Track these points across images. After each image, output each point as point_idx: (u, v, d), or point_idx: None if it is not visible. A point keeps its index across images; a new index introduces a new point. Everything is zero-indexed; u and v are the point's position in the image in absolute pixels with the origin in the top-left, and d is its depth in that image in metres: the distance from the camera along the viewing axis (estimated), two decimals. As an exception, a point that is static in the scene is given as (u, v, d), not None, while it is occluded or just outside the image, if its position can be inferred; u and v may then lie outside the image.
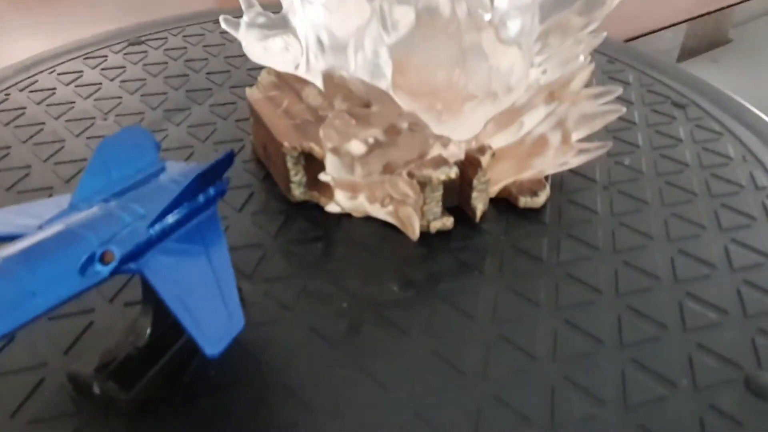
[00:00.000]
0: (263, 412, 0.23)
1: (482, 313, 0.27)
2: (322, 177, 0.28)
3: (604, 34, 0.35)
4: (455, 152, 0.30)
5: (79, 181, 0.22)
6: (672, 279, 0.29)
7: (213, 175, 0.23)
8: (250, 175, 0.35)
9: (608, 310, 0.27)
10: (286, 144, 0.30)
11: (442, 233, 0.31)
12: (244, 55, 0.41)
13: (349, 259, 0.30)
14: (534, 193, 0.32)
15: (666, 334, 0.26)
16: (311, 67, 0.35)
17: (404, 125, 0.28)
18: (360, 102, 0.28)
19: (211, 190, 0.23)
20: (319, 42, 0.33)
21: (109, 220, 0.20)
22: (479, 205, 0.31)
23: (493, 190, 0.32)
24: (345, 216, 0.32)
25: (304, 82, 0.35)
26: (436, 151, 0.29)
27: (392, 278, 0.29)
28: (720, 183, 0.35)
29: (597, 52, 0.36)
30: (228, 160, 0.23)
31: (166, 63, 0.47)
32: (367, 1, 0.30)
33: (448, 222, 0.31)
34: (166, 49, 0.49)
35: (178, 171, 0.23)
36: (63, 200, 0.22)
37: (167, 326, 0.23)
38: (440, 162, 0.29)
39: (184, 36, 0.52)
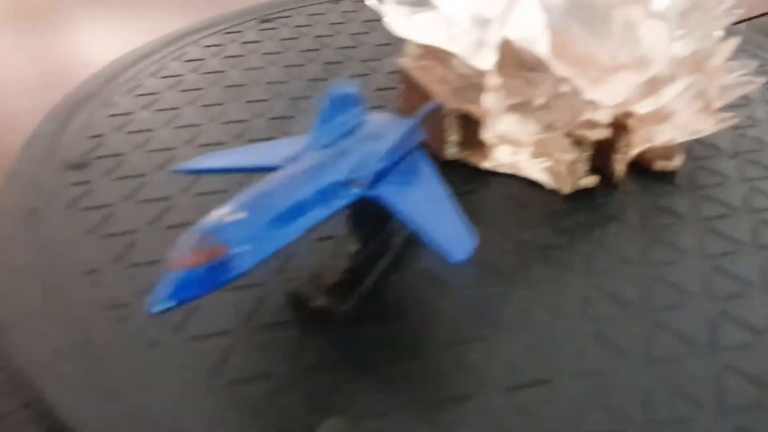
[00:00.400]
0: (457, 329, 0.26)
1: (635, 257, 0.30)
2: (487, 136, 0.32)
3: (741, 11, 0.37)
4: (603, 117, 0.33)
5: (314, 124, 0.26)
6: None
7: (420, 123, 0.27)
8: (399, 136, 0.39)
9: (752, 258, 0.30)
10: (447, 105, 0.34)
11: (585, 191, 0.34)
12: (367, 32, 0.45)
13: (504, 210, 0.33)
14: (669, 158, 0.35)
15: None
16: (457, 41, 0.38)
17: (565, 89, 0.31)
18: (526, 68, 0.32)
19: (418, 135, 0.27)
20: (465, 16, 0.36)
21: (349, 156, 0.24)
22: (620, 166, 0.34)
23: (631, 153, 0.35)
24: (492, 174, 0.35)
25: (451, 54, 0.38)
26: (588, 114, 0.33)
27: (547, 227, 0.32)
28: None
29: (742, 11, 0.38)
30: (436, 109, 0.27)
31: (297, 38, 0.52)
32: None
33: (593, 180, 0.34)
34: (295, 26, 0.54)
35: (385, 118, 0.27)
36: (295, 141, 0.26)
37: (371, 249, 0.27)
38: (593, 124, 0.32)
39: (309, 15, 0.56)
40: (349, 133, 0.25)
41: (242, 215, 0.19)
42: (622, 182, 0.35)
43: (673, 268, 0.29)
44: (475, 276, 0.29)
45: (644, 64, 0.33)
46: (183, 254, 0.18)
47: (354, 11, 0.56)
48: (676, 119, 0.35)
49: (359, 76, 0.46)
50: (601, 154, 0.35)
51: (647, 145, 0.35)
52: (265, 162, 0.25)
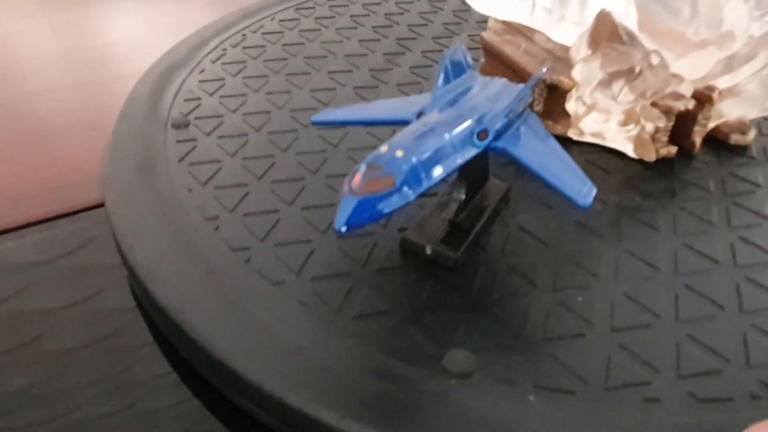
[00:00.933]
0: (560, 277, 0.28)
1: (718, 220, 0.32)
2: (576, 106, 0.34)
3: (814, -4, 0.39)
4: (685, 90, 0.35)
5: (436, 84, 0.28)
6: None
7: (532, 88, 0.29)
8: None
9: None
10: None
11: (665, 161, 0.36)
12: (435, 11, 0.46)
13: (589, 175, 0.35)
14: (743, 132, 0.37)
15: None
16: (537, 17, 0.40)
17: (655, 60, 0.33)
18: (616, 41, 0.33)
19: (528, 97, 0.29)
20: (547, -6, 0.38)
21: (475, 108, 0.26)
22: (698, 138, 0.36)
23: (709, 126, 0.37)
24: (573, 143, 0.37)
25: (533, 30, 0.40)
26: (672, 87, 0.34)
27: (632, 191, 0.34)
28: None
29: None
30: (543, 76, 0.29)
31: (368, 15, 0.54)
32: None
33: (673, 150, 0.36)
34: (363, 4, 0.56)
35: (499, 82, 0.29)
36: (417, 99, 0.28)
37: (474, 203, 0.29)
38: (678, 96, 0.34)
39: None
40: (466, 92, 0.28)
41: (401, 153, 0.21)
42: (699, 153, 0.37)
43: (756, 231, 0.31)
44: (570, 232, 0.31)
45: (726, 42, 0.35)
46: (358, 183, 0.20)
47: (419, -9, 0.58)
48: (751, 95, 0.37)
49: (433, 51, 0.48)
50: (680, 126, 0.37)
51: (723, 119, 0.37)
52: (394, 116, 0.27)
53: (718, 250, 0.30)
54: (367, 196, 0.20)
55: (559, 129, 0.37)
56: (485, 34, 0.41)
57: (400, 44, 0.49)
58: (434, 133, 0.24)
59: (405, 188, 0.21)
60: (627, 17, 0.35)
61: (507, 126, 0.26)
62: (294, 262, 0.29)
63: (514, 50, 0.38)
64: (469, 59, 0.30)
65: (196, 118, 0.39)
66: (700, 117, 0.35)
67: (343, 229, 0.20)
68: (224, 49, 0.47)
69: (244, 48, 0.48)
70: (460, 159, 0.24)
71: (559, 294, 0.28)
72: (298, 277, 0.28)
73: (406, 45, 0.49)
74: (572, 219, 0.32)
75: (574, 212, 0.32)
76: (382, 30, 0.51)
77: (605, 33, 0.33)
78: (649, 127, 0.34)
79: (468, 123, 0.25)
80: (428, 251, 0.29)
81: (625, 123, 0.34)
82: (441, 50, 0.48)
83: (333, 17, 0.53)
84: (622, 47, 0.33)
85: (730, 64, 0.36)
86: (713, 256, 0.30)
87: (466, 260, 0.29)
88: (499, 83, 0.29)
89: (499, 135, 0.26)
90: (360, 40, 0.49)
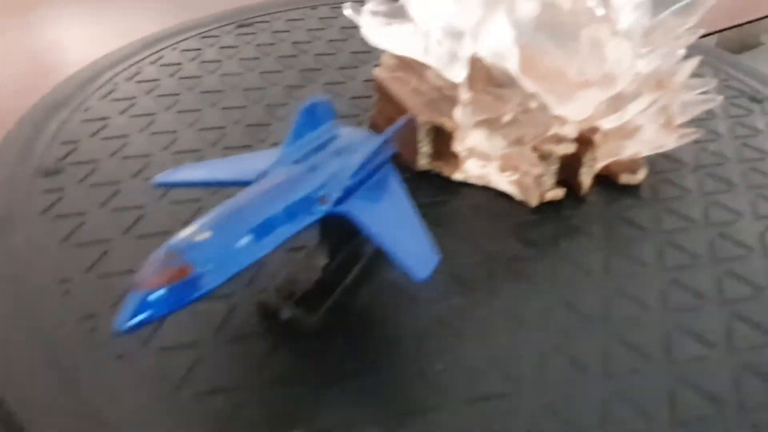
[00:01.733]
0: (423, 341, 0.27)
1: (596, 270, 0.31)
2: (459, 148, 0.33)
3: (701, 30, 0.38)
4: (569, 132, 0.34)
5: (286, 138, 0.26)
6: (762, 249, 0.32)
7: (391, 138, 0.27)
8: (372, 146, 0.40)
9: (709, 272, 0.31)
10: (421, 118, 0.35)
11: (552, 203, 0.35)
12: (345, 39, 0.45)
13: (473, 221, 0.34)
14: (633, 171, 0.36)
15: (763, 293, 0.30)
16: (431, 53, 0.39)
17: (533, 105, 0.32)
18: (496, 84, 0.32)
19: (389, 149, 0.27)
20: (439, 29, 0.37)
21: (319, 171, 0.24)
22: (586, 179, 0.35)
23: (597, 167, 0.36)
24: (462, 185, 0.36)
25: (425, 65, 0.39)
26: (555, 129, 0.33)
27: (514, 238, 0.33)
28: (799, 170, 0.38)
29: (702, 30, 0.40)
30: (409, 123, 0.27)
31: (275, 44, 0.52)
32: (493, -5, 0.34)
33: (560, 192, 0.35)
34: (273, 32, 0.54)
35: (357, 133, 0.28)
36: (267, 154, 0.27)
37: (340, 261, 0.28)
38: (560, 139, 0.33)
39: (287, 20, 0.56)
40: (320, 147, 0.26)
41: (207, 235, 0.20)
42: (589, 195, 0.36)
43: (633, 281, 0.30)
44: (443, 287, 0.30)
45: (610, 81, 0.34)
46: (149, 274, 0.19)
47: (332, 17, 0.56)
48: (640, 134, 0.36)
49: (336, 83, 0.46)
50: (568, 167, 0.36)
51: (612, 159, 0.36)
52: (237, 176, 0.25)
53: (593, 304, 0.29)
54: (160, 288, 0.18)
55: (447, 170, 0.36)
56: (376, 71, 0.39)
57: (303, 76, 0.47)
58: (260, 204, 0.22)
59: (207, 276, 0.19)
60: (510, 59, 0.33)
61: (358, 184, 0.25)
62: (143, 330, 0.27)
63: (401, 88, 0.37)
64: (332, 107, 0.28)
65: (70, 164, 0.37)
66: (585, 159, 0.34)
67: (124, 329, 0.18)
68: (116, 84, 0.45)
69: (137, 82, 0.46)
70: (292, 230, 0.22)
71: (418, 362, 0.26)
72: (144, 347, 0.26)
73: (309, 77, 0.47)
74: (448, 271, 0.31)
75: (448, 268, 0.30)
76: (287, 60, 0.49)
77: (481, 76, 0.32)
78: (531, 171, 0.33)
79: (306, 189, 0.23)
80: (284, 316, 0.27)
81: (504, 168, 0.32)
82: (344, 83, 0.47)
83: (237, 46, 0.51)
84: (500, 91, 0.32)
85: (615, 104, 0.35)
86: (586, 311, 0.29)
87: (328, 323, 0.27)
88: (358, 136, 0.27)
89: (348, 193, 0.25)
90: (262, 72, 0.48)
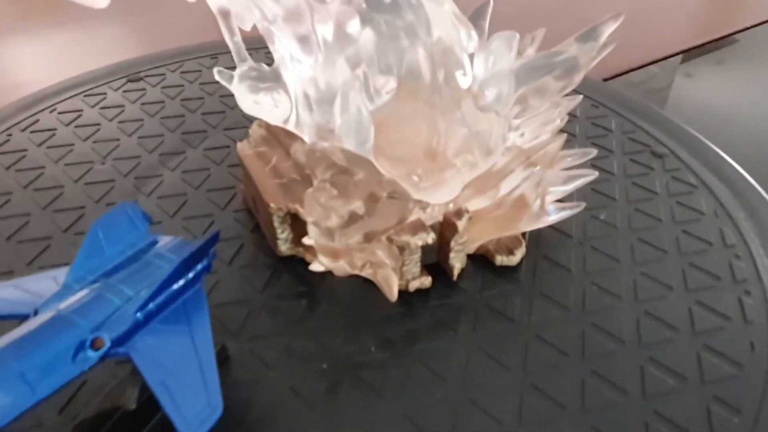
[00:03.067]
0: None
1: (454, 375, 0.28)
2: (306, 241, 0.30)
3: (580, 97, 0.36)
4: (433, 214, 0.32)
5: (77, 255, 0.23)
6: (636, 342, 0.30)
7: (201, 254, 0.24)
8: (240, 225, 0.37)
9: (573, 374, 0.29)
10: (272, 205, 0.32)
11: (420, 291, 0.32)
12: None
13: (331, 316, 0.31)
14: (510, 252, 0.34)
15: (627, 399, 0.28)
16: (300, 122, 0.36)
17: (383, 194, 0.29)
18: (341, 170, 0.30)
19: (198, 266, 0.24)
20: (307, 97, 0.35)
21: (99, 305, 0.22)
22: (457, 264, 0.33)
23: (471, 247, 0.33)
24: (329, 272, 0.33)
25: (293, 137, 0.36)
26: (415, 215, 0.31)
27: (371, 338, 0.30)
28: (690, 240, 0.36)
29: (582, 95, 0.37)
30: (214, 239, 0.25)
31: (163, 102, 0.49)
32: (350, 67, 0.32)
33: (426, 281, 0.32)
34: (163, 87, 0.51)
35: (168, 247, 0.25)
36: (59, 274, 0.24)
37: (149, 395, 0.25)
38: (418, 227, 0.30)
39: (182, 72, 0.53)
40: (114, 269, 0.23)
41: None
42: (462, 279, 0.33)
43: (491, 392, 0.28)
44: (274, 412, 0.27)
45: (478, 158, 0.32)
46: None
47: (233, 66, 0.54)
48: (517, 212, 0.34)
49: (217, 148, 0.44)
50: (439, 249, 0.33)
51: (485, 240, 0.34)
52: (10, 310, 0.22)
53: (439, 423, 0.26)
54: None
55: (308, 257, 0.33)
56: (240, 146, 0.36)
57: (184, 140, 0.45)
58: (17, 353, 0.19)
59: None
60: (363, 139, 0.31)
61: (149, 316, 0.22)
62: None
63: (260, 168, 0.34)
64: (143, 216, 0.26)
65: None
66: (453, 243, 0.32)
67: None
68: (-23, 156, 0.42)
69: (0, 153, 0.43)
70: (55, 382, 0.20)
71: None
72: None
73: (190, 141, 0.44)
74: (290, 384, 0.28)
75: (292, 379, 0.28)
76: (171, 122, 0.47)
77: (320, 165, 0.29)
78: (389, 263, 0.30)
79: (80, 328, 0.21)
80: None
81: (353, 266, 0.30)
82: (227, 146, 0.44)
83: (122, 106, 0.48)
84: (342, 180, 0.29)
85: (484, 183, 0.33)
86: (432, 428, 0.26)
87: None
88: (168, 249, 0.24)
89: (134, 329, 0.22)
90: (140, 137, 0.45)
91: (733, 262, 0.35)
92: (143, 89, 0.51)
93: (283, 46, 0.34)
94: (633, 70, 0.68)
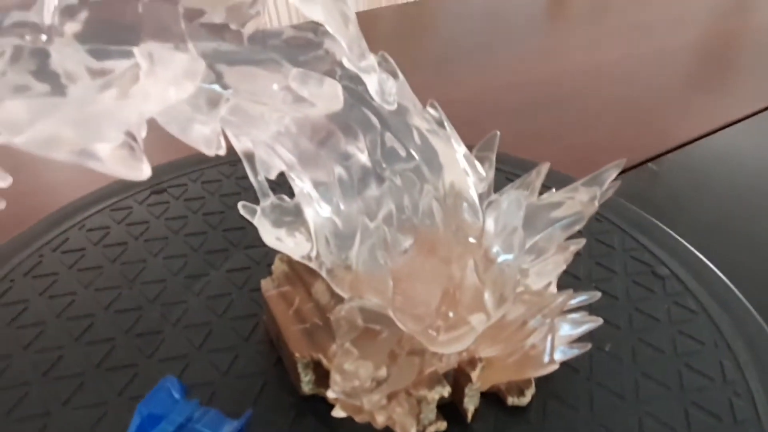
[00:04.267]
0: None
1: None
2: (330, 395, 0.32)
3: (583, 240, 0.38)
4: (449, 363, 0.34)
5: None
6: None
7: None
8: (263, 359, 0.39)
9: None
10: (297, 354, 0.34)
11: (437, 434, 0.34)
12: None
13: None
14: (521, 392, 0.36)
15: None
16: (321, 259, 0.39)
17: (403, 352, 0.31)
18: (362, 331, 0.32)
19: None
20: (327, 239, 0.37)
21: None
22: (471, 407, 0.35)
23: (484, 387, 0.35)
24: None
25: (315, 275, 0.39)
26: (431, 367, 0.33)
27: (390, 488, 0.32)
28: (693, 375, 0.38)
29: (585, 240, 0.40)
30: (247, 420, 0.27)
31: (186, 217, 0.51)
32: (369, 219, 0.34)
33: (442, 426, 0.34)
34: (186, 199, 0.54)
35: (203, 422, 0.27)
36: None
37: None
38: (434, 380, 0.32)
39: (203, 182, 0.56)
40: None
41: None
42: (475, 420, 0.35)
43: None
44: None
45: (491, 309, 0.34)
46: None
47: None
48: (528, 360, 0.35)
49: (239, 270, 0.46)
50: (454, 393, 0.35)
51: (497, 383, 0.35)
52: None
53: None
54: None
55: (330, 399, 0.35)
56: (264, 283, 0.39)
57: (206, 261, 0.47)
58: None
59: None
60: (382, 291, 0.33)
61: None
62: None
63: (283, 311, 0.36)
64: (181, 390, 0.28)
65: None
66: (467, 390, 0.34)
67: None
68: (11, 281, 0.44)
69: (33, 277, 0.45)
70: None
71: None
72: None
73: (212, 262, 0.47)
74: None
75: None
76: (194, 239, 0.49)
77: (340, 328, 0.31)
78: (407, 412, 0.32)
79: None
80: None
81: (374, 419, 0.32)
82: (249, 268, 0.46)
83: (147, 222, 0.51)
84: (364, 343, 0.31)
85: (497, 331, 0.35)
86: None
87: None
88: (205, 422, 0.26)
89: None
90: (165, 257, 0.47)
91: (733, 400, 0.36)
92: (167, 202, 0.53)
93: (303, 183, 0.36)
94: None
